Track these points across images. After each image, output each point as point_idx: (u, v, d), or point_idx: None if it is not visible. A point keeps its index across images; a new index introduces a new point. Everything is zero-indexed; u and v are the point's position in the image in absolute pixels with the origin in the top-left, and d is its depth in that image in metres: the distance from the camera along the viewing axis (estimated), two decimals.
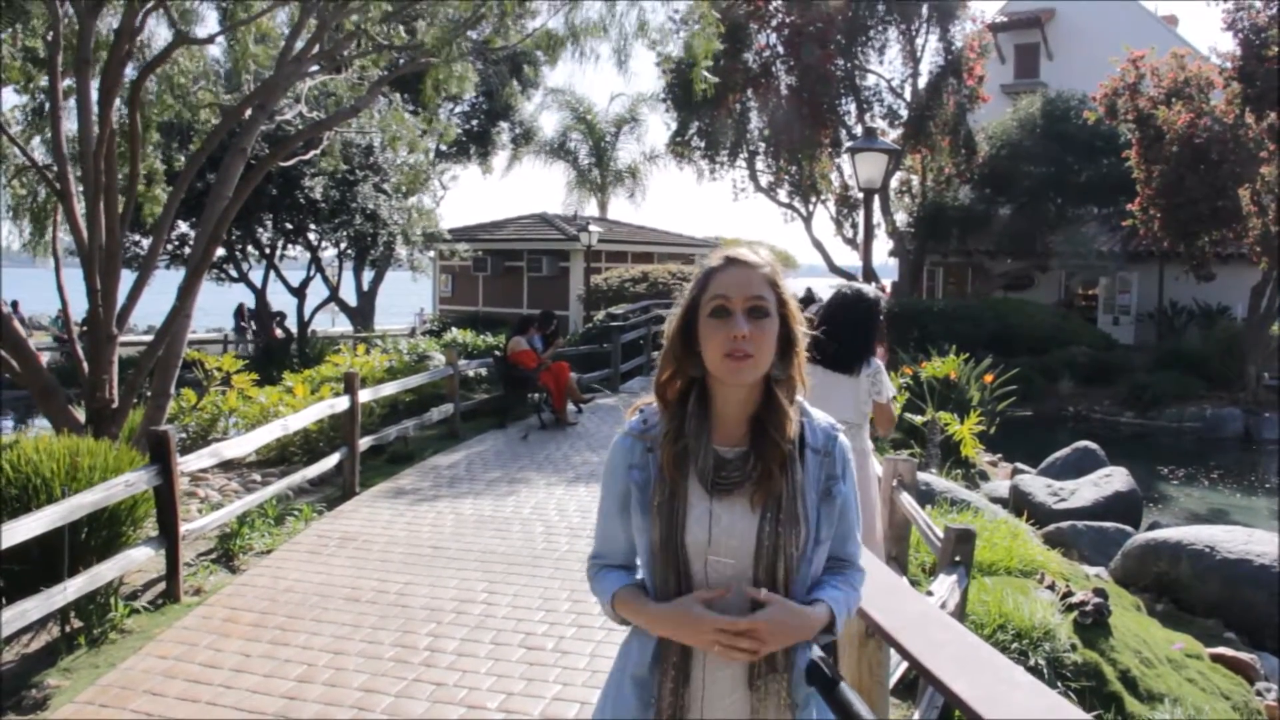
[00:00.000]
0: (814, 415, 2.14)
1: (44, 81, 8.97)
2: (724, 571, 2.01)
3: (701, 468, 2.02)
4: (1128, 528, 9.62)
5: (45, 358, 21.90)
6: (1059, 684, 5.23)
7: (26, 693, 5.07)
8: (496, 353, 14.89)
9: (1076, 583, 6.98)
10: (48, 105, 8.69)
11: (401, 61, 9.24)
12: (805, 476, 2.05)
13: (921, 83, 25.56)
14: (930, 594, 4.31)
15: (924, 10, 24.69)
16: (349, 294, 29.92)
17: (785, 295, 2.07)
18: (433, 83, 8.68)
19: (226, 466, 10.22)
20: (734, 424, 2.06)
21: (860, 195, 12.50)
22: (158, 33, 9.58)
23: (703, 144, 27.70)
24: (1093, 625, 5.97)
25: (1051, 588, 6.42)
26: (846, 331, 5.18)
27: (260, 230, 23.27)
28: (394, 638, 5.78)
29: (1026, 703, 2.07)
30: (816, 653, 2.14)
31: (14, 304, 27.11)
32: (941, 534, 4.81)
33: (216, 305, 43.93)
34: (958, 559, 4.60)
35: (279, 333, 26.49)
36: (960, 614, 4.66)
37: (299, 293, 26.02)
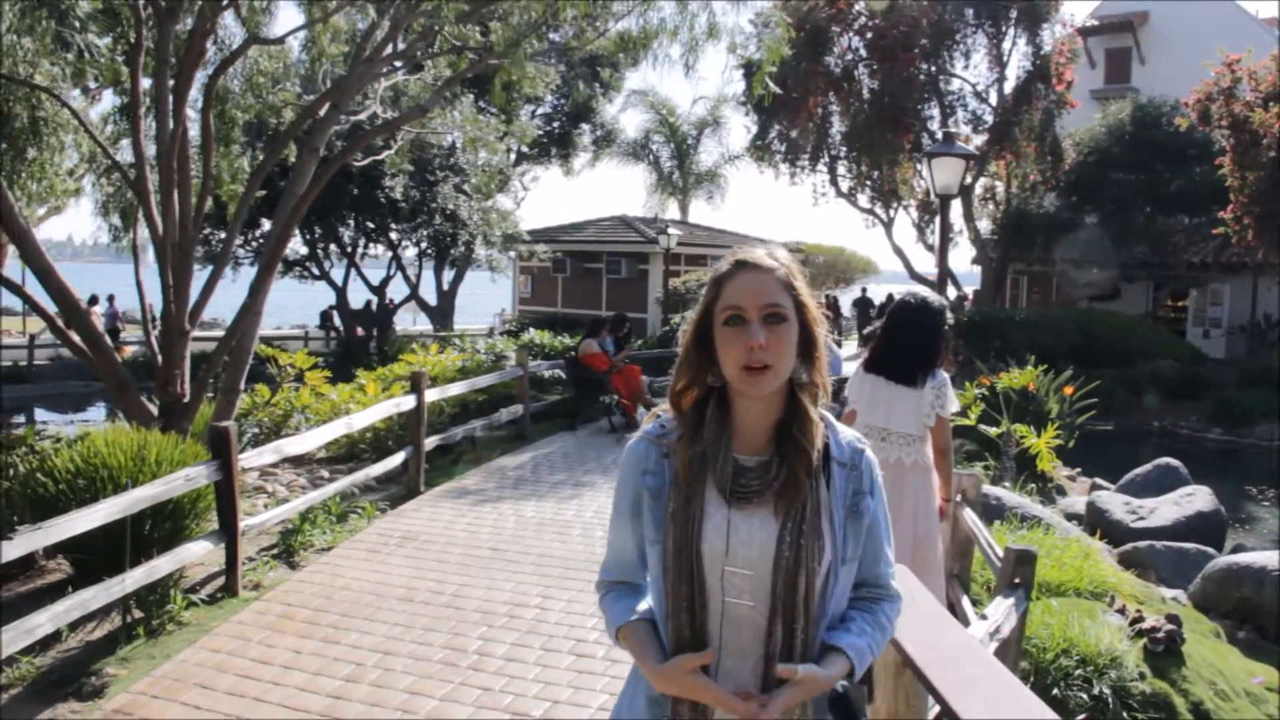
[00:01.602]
0: (838, 428, 2.04)
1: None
2: (741, 584, 1.91)
3: (720, 475, 1.93)
4: (1209, 549, 9.25)
5: (134, 351, 22.69)
6: (1125, 715, 5.02)
7: (86, 680, 5.15)
8: (569, 354, 14.92)
9: (1151, 606, 6.71)
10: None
11: (472, 60, 9.24)
12: (831, 491, 1.95)
13: (1008, 88, 25.07)
14: (985, 617, 4.16)
15: (1012, 14, 24.19)
16: (429, 293, 30.27)
17: (803, 297, 1.96)
18: (502, 83, 8.70)
19: (297, 462, 10.36)
20: (755, 432, 1.97)
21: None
22: (237, 34, 9.74)
23: (783, 148, 27.50)
24: (1164, 653, 5.72)
25: (1122, 611, 6.18)
26: (910, 342, 5.05)
27: (342, 229, 23.63)
28: (444, 639, 5.76)
29: None
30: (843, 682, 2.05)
31: (110, 298, 27.91)
32: (1001, 553, 4.64)
33: (299, 302, 44.86)
34: (1017, 581, 4.43)
35: (360, 331, 26.89)
36: (1018, 639, 4.49)
37: (379, 291, 26.38)
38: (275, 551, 7.42)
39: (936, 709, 4.12)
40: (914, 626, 2.55)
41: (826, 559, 1.92)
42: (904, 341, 5.12)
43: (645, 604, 2.05)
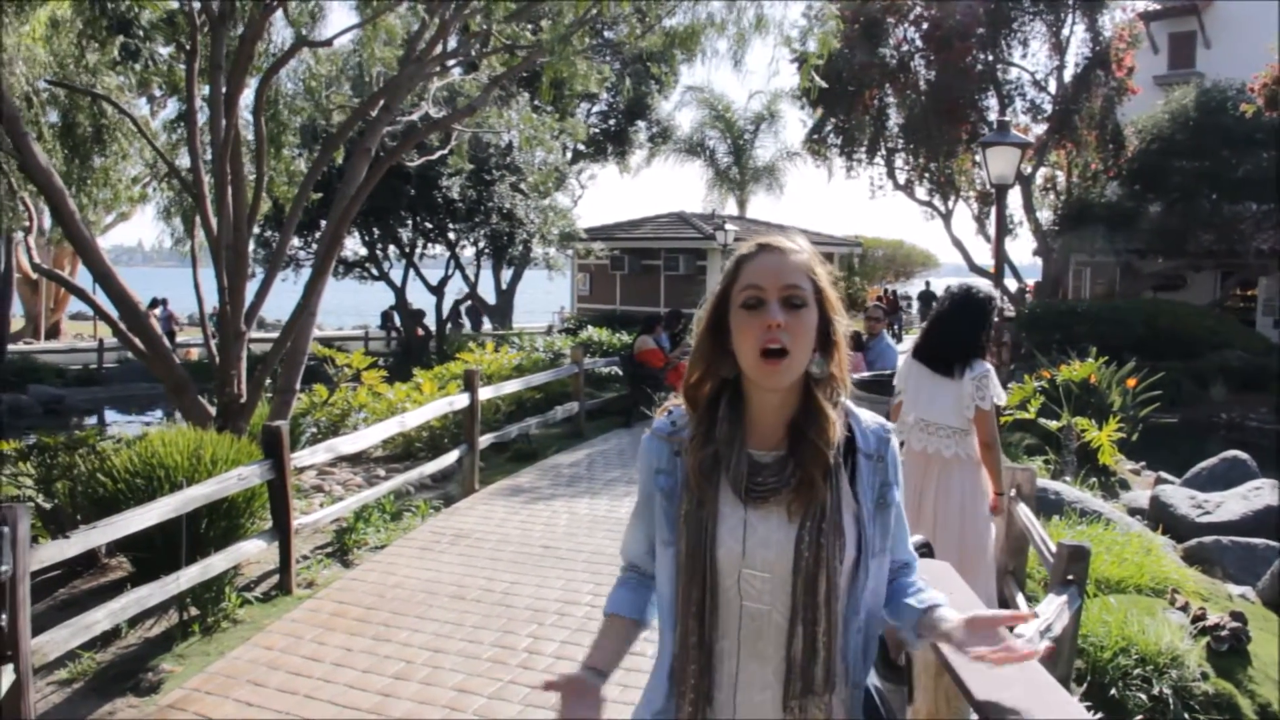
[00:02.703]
0: (861, 416, 1.96)
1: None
2: (759, 586, 1.85)
3: (734, 474, 1.86)
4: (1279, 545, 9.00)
5: (197, 353, 23.13)
6: (1186, 716, 4.88)
7: (143, 676, 5.23)
8: (625, 351, 14.92)
9: (1216, 604, 6.52)
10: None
11: (522, 59, 9.27)
12: (858, 485, 1.88)
13: (1067, 75, 24.59)
14: (1036, 615, 4.07)
15: (1071, 0, 23.75)
16: (488, 292, 30.48)
17: (823, 285, 1.90)
18: (550, 80, 8.70)
19: (354, 461, 10.47)
20: (770, 427, 1.90)
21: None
22: (290, 38, 9.85)
23: (839, 141, 27.27)
24: (1229, 652, 5.56)
25: (1184, 609, 6.02)
26: (951, 331, 5.00)
27: (400, 230, 23.86)
28: (494, 637, 5.77)
29: None
30: (874, 680, 2.00)
31: (163, 301, 28.45)
32: (1055, 549, 4.54)
33: (357, 304, 45.40)
34: (1070, 577, 4.31)
35: (420, 331, 27.14)
36: (1072, 637, 4.38)
37: (438, 291, 26.60)
38: (329, 550, 7.49)
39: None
40: None
41: (849, 556, 1.85)
42: (946, 331, 5.07)
43: (643, 599, 2.07)
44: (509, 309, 31.51)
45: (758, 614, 1.87)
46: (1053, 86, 24.93)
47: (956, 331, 4.98)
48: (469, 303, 30.83)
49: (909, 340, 25.62)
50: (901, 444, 1.96)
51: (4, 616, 4.05)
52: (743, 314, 1.85)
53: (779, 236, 1.94)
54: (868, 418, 1.97)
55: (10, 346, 24.30)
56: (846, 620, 1.87)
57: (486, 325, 31.23)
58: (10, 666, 4.06)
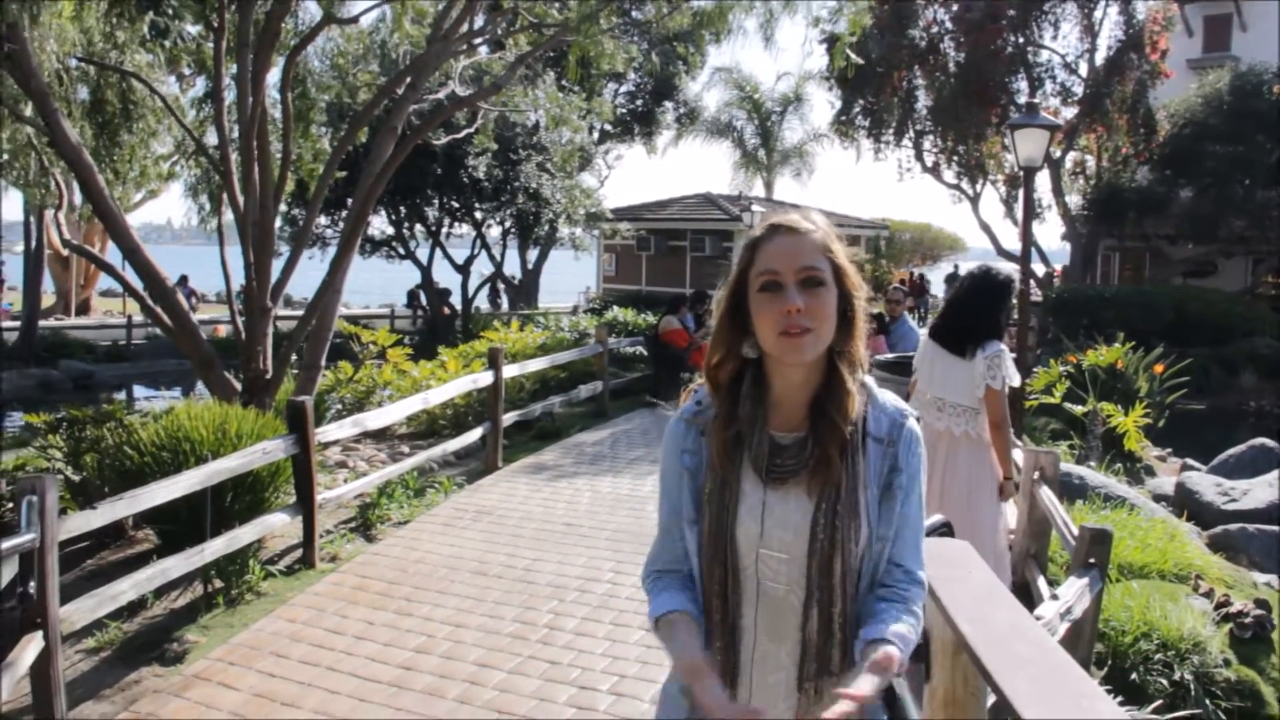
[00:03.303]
0: (881, 398, 1.93)
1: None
2: (776, 567, 1.85)
3: (755, 455, 1.85)
4: None
5: (225, 330, 23.30)
6: (1208, 702, 4.86)
7: (169, 646, 5.30)
8: (650, 331, 14.93)
9: (1240, 591, 6.48)
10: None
11: (548, 37, 9.24)
12: (867, 467, 1.86)
13: (1099, 58, 24.32)
14: (1056, 597, 4.06)
15: None
16: (514, 272, 30.50)
17: (841, 261, 1.87)
18: (576, 58, 8.68)
19: (378, 438, 10.54)
20: (793, 407, 1.88)
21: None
22: (318, 15, 9.85)
23: (867, 123, 27.11)
24: (1252, 639, 5.54)
25: (1208, 595, 5.99)
26: (966, 312, 5.07)
27: (426, 209, 23.90)
28: (515, 613, 5.81)
29: None
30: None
31: (184, 279, 28.64)
32: (1077, 533, 4.53)
33: (384, 283, 45.54)
34: (1091, 561, 4.31)
35: (446, 310, 27.21)
36: (1093, 621, 4.38)
37: (464, 270, 26.65)
38: (353, 524, 7.56)
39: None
40: (967, 603, 2.49)
41: (864, 537, 1.84)
42: (961, 311, 5.14)
43: (689, 593, 1.95)
44: (535, 288, 31.52)
45: (775, 595, 1.87)
46: (1084, 69, 24.68)
47: (974, 312, 5.04)
48: (498, 282, 30.85)
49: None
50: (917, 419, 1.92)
51: (33, 585, 4.10)
52: (761, 298, 1.84)
53: (793, 215, 1.91)
54: (886, 400, 1.94)
55: (41, 322, 24.54)
56: (856, 601, 1.86)
57: (505, 304, 31.26)
58: (39, 634, 4.11)
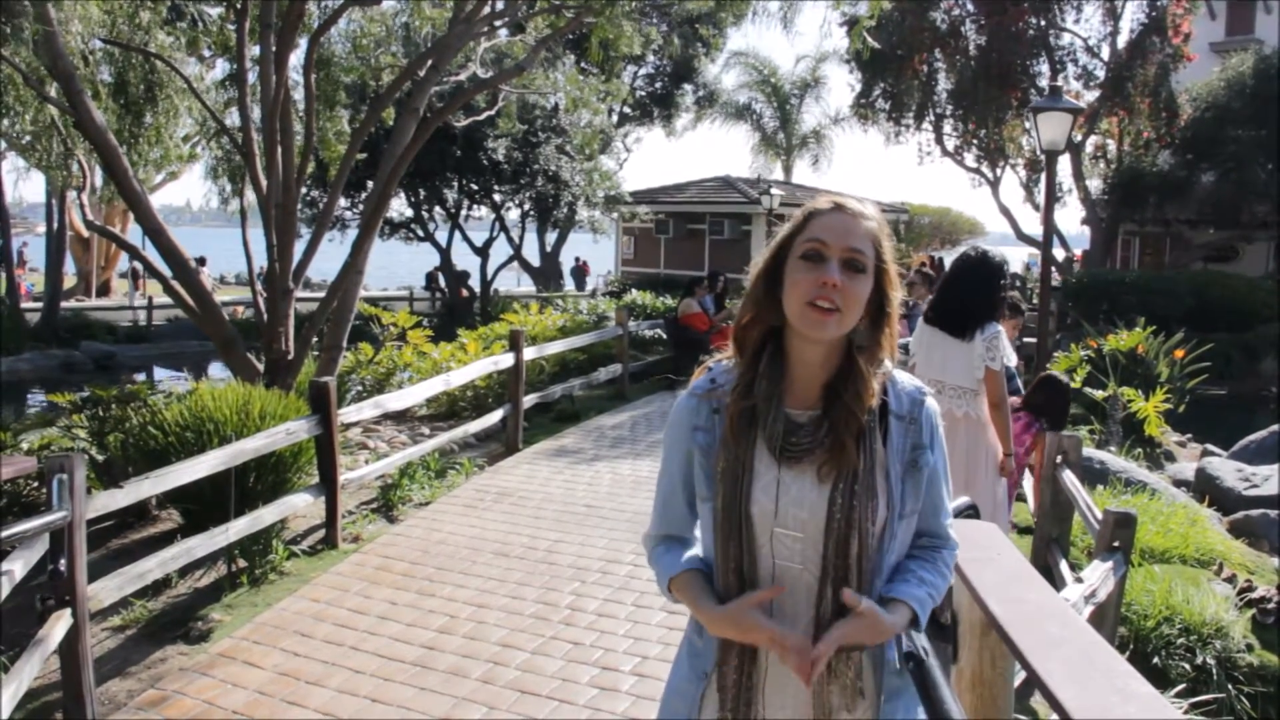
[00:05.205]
0: (900, 379, 1.94)
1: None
2: (791, 546, 1.85)
3: (770, 432, 1.85)
4: None
5: (245, 312, 23.40)
6: (1230, 687, 4.85)
7: (193, 625, 5.34)
8: (670, 315, 14.92)
9: (1263, 576, 6.46)
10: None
11: (569, 19, 9.21)
12: (889, 446, 1.87)
13: (1121, 41, 24.08)
14: (1080, 580, 4.06)
15: None
16: (533, 255, 30.52)
17: (886, 257, 1.88)
18: (598, 41, 8.66)
19: (399, 419, 10.58)
20: (809, 386, 1.89)
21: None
22: None
23: (887, 106, 26.94)
24: (1275, 624, 5.51)
25: (1230, 580, 5.96)
26: (963, 294, 5.19)
27: (446, 191, 23.94)
28: (537, 594, 5.83)
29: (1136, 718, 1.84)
30: (922, 642, 1.99)
31: (200, 260, 28.73)
32: (1100, 516, 4.52)
33: (401, 265, 45.62)
34: (1116, 544, 4.31)
35: (464, 292, 27.27)
36: (1116, 604, 4.37)
37: (483, 252, 26.68)
38: (375, 505, 7.59)
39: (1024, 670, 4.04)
40: (996, 584, 2.48)
41: (881, 517, 1.84)
42: (958, 294, 5.26)
43: (695, 552, 1.99)
44: (554, 271, 31.53)
45: (789, 573, 1.87)
46: (1106, 53, 24.43)
47: (970, 295, 5.18)
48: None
49: None
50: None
51: (63, 562, 4.14)
52: (800, 264, 1.84)
53: (854, 200, 1.93)
54: (903, 379, 1.96)
55: (63, 303, 24.70)
56: (872, 580, 1.86)
57: (524, 287, 31.29)
58: (68, 611, 4.15)
